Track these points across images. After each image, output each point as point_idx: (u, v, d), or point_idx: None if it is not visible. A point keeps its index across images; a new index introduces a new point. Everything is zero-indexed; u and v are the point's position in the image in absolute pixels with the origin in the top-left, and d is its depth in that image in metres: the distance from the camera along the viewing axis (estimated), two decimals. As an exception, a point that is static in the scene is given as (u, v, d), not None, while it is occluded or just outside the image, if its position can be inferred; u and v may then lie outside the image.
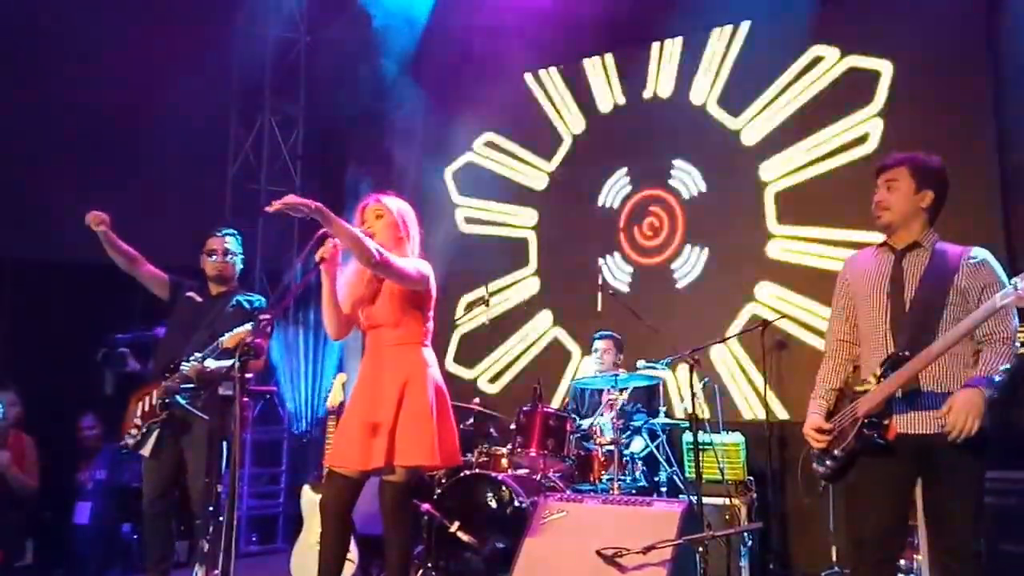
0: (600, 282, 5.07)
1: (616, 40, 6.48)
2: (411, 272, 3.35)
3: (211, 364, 3.99)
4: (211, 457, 3.98)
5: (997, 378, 2.65)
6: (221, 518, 3.86)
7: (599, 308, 5.07)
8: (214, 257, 4.35)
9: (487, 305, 5.24)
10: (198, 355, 4.02)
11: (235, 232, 4.48)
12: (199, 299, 4.32)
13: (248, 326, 3.87)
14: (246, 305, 4.32)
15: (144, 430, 4.06)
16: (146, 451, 4.08)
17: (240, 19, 7.34)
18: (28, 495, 5.47)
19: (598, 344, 5.37)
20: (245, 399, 2.83)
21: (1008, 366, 2.67)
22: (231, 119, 7.46)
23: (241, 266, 4.50)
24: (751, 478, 4.92)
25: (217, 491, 3.95)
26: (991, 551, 3.83)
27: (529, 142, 6.83)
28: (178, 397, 4.03)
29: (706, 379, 4.92)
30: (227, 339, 3.91)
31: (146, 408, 4.09)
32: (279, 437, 7.16)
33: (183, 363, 4.04)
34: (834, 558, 4.74)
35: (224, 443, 4.02)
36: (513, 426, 4.71)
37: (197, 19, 6.64)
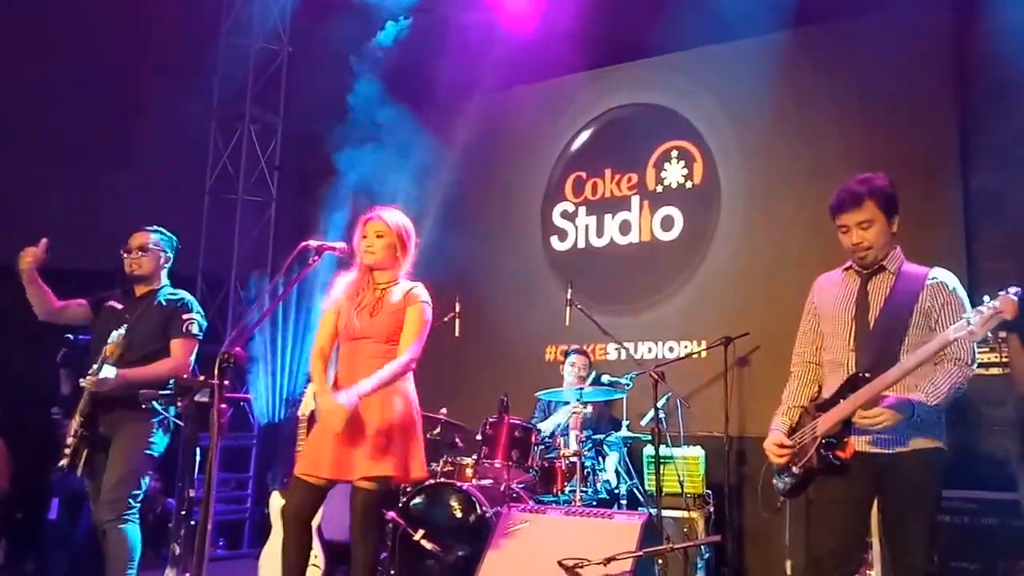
0: (568, 298, 5.17)
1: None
2: (423, 332, 3.47)
3: (106, 372, 3.74)
4: (141, 458, 3.92)
5: (933, 402, 2.72)
6: (193, 521, 3.92)
7: (567, 323, 5.19)
8: (130, 254, 4.13)
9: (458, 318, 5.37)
10: (95, 367, 3.76)
11: (161, 231, 4.25)
12: (119, 306, 4.11)
13: (121, 331, 3.78)
14: (164, 303, 4.11)
15: (74, 446, 3.79)
16: (78, 471, 3.83)
17: (224, 29, 7.42)
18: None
19: (572, 359, 5.50)
20: (223, 406, 2.88)
21: (956, 387, 2.74)
22: (211, 128, 7.51)
23: (166, 264, 4.23)
24: (710, 492, 5.03)
25: (189, 495, 4.01)
26: (944, 568, 3.97)
27: (508, 159, 6.95)
28: (155, 403, 3.96)
29: (668, 393, 5.03)
30: (108, 347, 3.76)
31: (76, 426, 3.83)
32: (247, 443, 7.19)
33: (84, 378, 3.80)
34: (788, 572, 4.84)
35: (197, 448, 4.08)
36: (479, 436, 4.77)
37: (181, 28, 6.70)
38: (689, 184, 6.15)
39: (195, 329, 4.08)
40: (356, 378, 3.41)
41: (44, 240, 3.99)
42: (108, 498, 3.81)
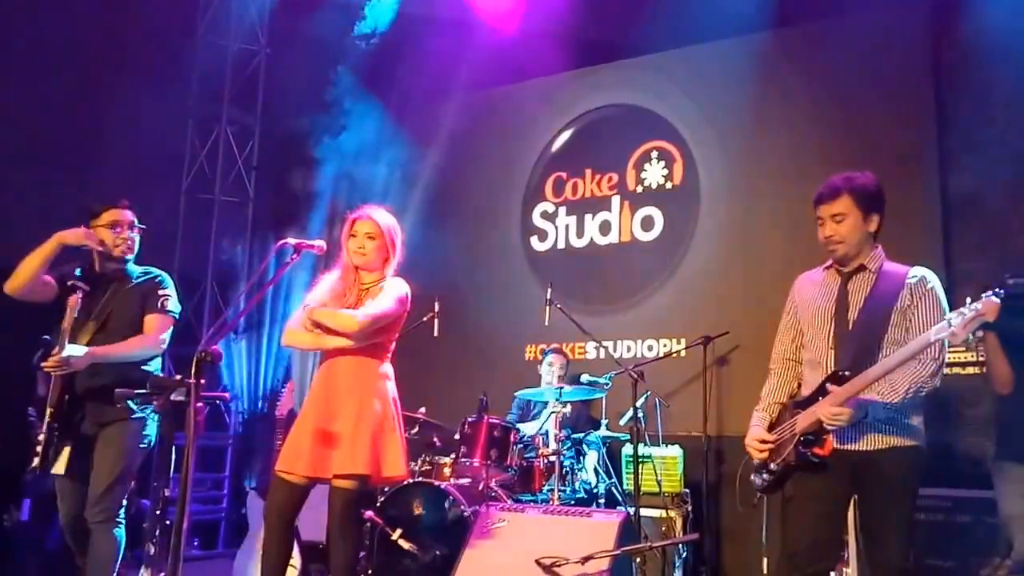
0: (547, 297, 5.16)
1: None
2: (392, 311, 3.43)
3: (72, 350, 3.53)
4: (131, 462, 3.80)
5: (890, 399, 2.76)
6: (168, 521, 3.87)
7: (546, 322, 5.19)
8: (122, 232, 3.84)
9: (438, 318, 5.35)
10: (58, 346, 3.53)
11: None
12: (87, 288, 3.77)
13: (77, 295, 3.56)
14: (139, 281, 3.90)
15: (45, 444, 3.54)
16: (60, 469, 3.61)
17: (201, 29, 7.37)
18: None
19: (549, 358, 5.50)
20: (199, 404, 2.85)
21: (919, 384, 2.76)
22: (188, 128, 7.46)
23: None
24: (687, 491, 5.04)
25: (164, 495, 3.96)
26: (919, 565, 4.01)
27: (488, 159, 6.95)
28: (130, 402, 3.91)
29: (647, 392, 5.04)
30: (65, 321, 3.56)
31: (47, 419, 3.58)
32: (224, 443, 7.14)
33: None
34: (764, 570, 4.84)
35: (173, 447, 4.03)
36: (457, 436, 4.77)
37: (158, 28, 6.65)
38: (669, 185, 6.17)
39: (171, 305, 3.91)
40: (337, 378, 3.43)
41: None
42: (101, 500, 3.66)
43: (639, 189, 6.28)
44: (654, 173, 6.23)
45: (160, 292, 3.91)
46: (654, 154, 6.25)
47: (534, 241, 6.66)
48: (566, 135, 6.70)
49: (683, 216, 6.04)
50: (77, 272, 3.78)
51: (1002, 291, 2.60)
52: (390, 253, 3.54)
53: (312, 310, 3.39)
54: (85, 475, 3.68)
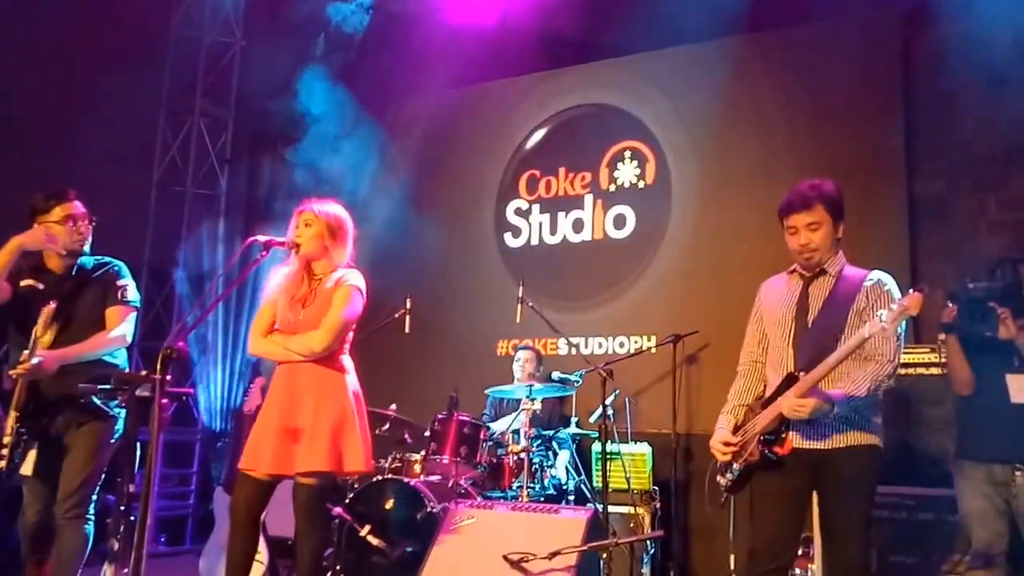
0: (519, 295, 5.18)
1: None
2: (349, 316, 3.42)
3: (39, 356, 3.50)
4: (101, 461, 3.76)
5: (852, 392, 2.80)
6: (133, 517, 3.83)
7: (518, 320, 5.20)
8: (76, 224, 3.75)
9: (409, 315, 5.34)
10: (27, 352, 3.50)
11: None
12: (40, 286, 3.73)
13: (51, 306, 3.52)
14: (95, 273, 3.81)
15: (12, 445, 3.47)
16: (27, 470, 3.60)
17: (174, 21, 7.31)
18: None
19: (520, 355, 5.52)
20: (164, 400, 2.83)
21: (878, 382, 2.82)
22: (160, 120, 7.40)
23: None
24: (656, 488, 5.07)
25: (129, 490, 3.93)
26: (882, 562, 4.08)
27: (462, 156, 6.95)
28: (95, 398, 3.87)
29: (616, 390, 5.06)
30: (38, 327, 3.51)
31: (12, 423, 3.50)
32: (191, 439, 7.09)
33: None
34: (732, 567, 4.90)
35: (137, 443, 3.99)
36: (428, 433, 4.77)
37: (132, 19, 6.58)
38: (641, 184, 6.21)
39: (131, 295, 3.83)
40: (297, 374, 3.42)
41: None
42: (72, 496, 3.63)
43: (612, 188, 6.31)
44: (627, 172, 6.26)
45: (118, 283, 3.82)
46: (627, 154, 6.28)
47: (507, 238, 6.67)
48: (540, 133, 6.72)
49: (655, 215, 6.08)
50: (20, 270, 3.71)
51: (925, 286, 2.71)
52: (330, 240, 3.49)
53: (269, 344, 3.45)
54: (53, 476, 3.64)
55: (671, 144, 6.12)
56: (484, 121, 6.94)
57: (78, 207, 3.80)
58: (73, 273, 3.78)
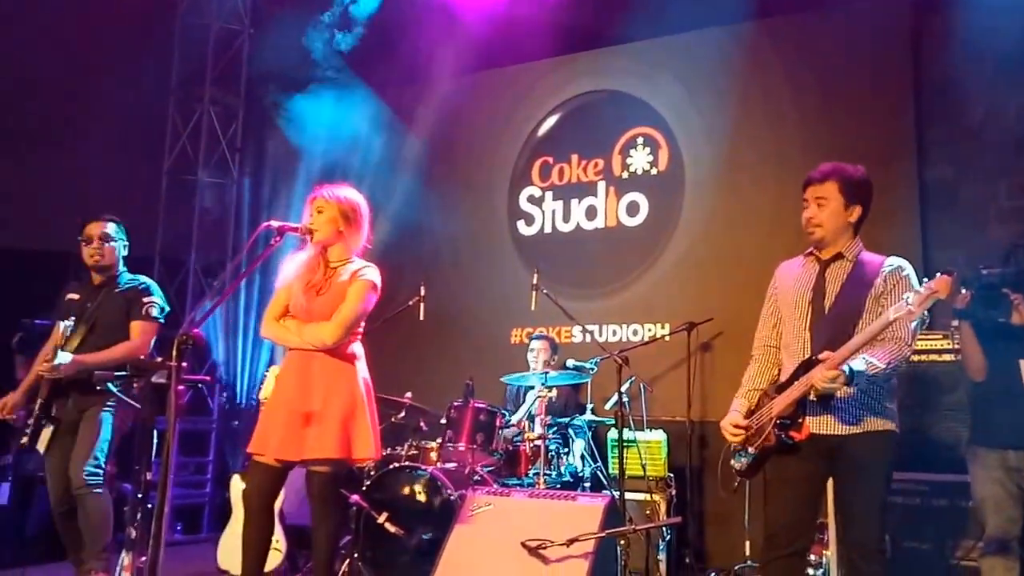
0: (534, 282, 5.18)
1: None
2: (362, 310, 3.43)
3: (61, 359, 3.95)
4: (112, 435, 4.05)
5: (871, 372, 2.77)
6: (150, 505, 3.88)
7: (532, 307, 5.21)
8: (92, 244, 4.20)
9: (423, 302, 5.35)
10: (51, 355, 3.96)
11: (118, 220, 4.35)
12: (76, 297, 4.22)
13: (69, 322, 3.99)
14: (125, 288, 4.23)
15: (34, 425, 4.00)
16: (41, 446, 4.02)
17: (183, 8, 7.30)
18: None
19: (534, 344, 5.52)
20: (180, 387, 2.85)
21: (895, 363, 2.81)
22: (170, 108, 7.40)
23: (124, 252, 4.34)
24: (671, 475, 5.08)
25: (146, 478, 3.97)
26: (896, 547, 4.06)
27: (474, 143, 6.93)
28: (110, 384, 4.03)
29: (631, 377, 5.07)
30: (56, 336, 4.03)
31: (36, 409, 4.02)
32: (207, 427, 7.12)
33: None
34: (747, 552, 4.94)
35: (155, 431, 4.03)
36: (443, 420, 4.78)
37: (140, 7, 6.58)
38: (654, 171, 6.19)
39: (155, 312, 4.18)
40: (309, 358, 3.42)
41: None
42: (83, 468, 3.95)
43: (625, 175, 6.30)
44: (640, 159, 6.25)
45: (144, 300, 4.20)
46: (640, 140, 6.27)
47: (520, 225, 6.66)
48: (552, 120, 6.70)
49: (668, 202, 6.08)
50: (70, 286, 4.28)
51: (955, 270, 2.66)
52: (344, 225, 3.49)
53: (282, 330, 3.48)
54: (66, 453, 4.01)
55: (684, 131, 6.11)
56: (496, 108, 6.92)
57: (94, 228, 4.22)
58: (106, 286, 4.21)
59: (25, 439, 3.97)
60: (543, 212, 6.60)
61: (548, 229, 6.55)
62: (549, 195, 6.59)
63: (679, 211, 6.03)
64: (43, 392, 4.00)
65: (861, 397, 2.88)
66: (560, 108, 6.67)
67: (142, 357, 4.08)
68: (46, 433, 4.00)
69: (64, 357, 3.94)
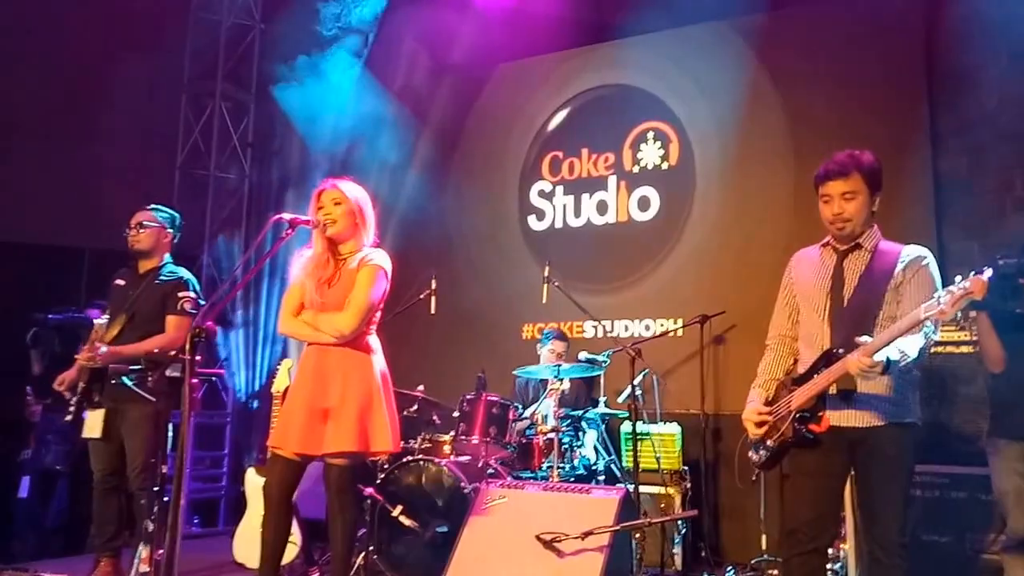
0: (546, 274, 5.16)
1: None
2: (375, 298, 3.41)
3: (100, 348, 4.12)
4: (156, 438, 4.08)
5: (902, 364, 2.67)
6: (166, 498, 3.90)
7: (544, 300, 5.19)
8: (131, 230, 4.35)
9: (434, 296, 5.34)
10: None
11: (162, 208, 4.47)
12: (123, 283, 4.38)
13: (103, 319, 4.20)
14: (163, 281, 4.33)
15: (75, 409, 4.17)
16: (97, 432, 4.16)
17: (194, 4, 7.31)
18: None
19: (551, 344, 5.46)
20: (194, 380, 2.85)
21: (924, 354, 2.75)
22: (182, 104, 7.41)
23: (166, 241, 4.45)
24: (686, 468, 5.07)
25: (162, 471, 3.99)
26: (915, 541, 4.02)
27: (484, 137, 6.92)
28: (124, 378, 4.07)
29: (645, 370, 5.06)
30: (94, 332, 4.22)
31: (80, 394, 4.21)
32: (222, 421, 7.14)
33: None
34: (763, 547, 4.91)
35: (169, 425, 4.06)
36: (456, 413, 4.78)
37: (151, 3, 6.60)
38: (665, 165, 6.17)
39: (189, 307, 4.26)
40: (327, 352, 3.41)
41: None
42: (137, 472, 4.15)
43: (635, 169, 6.27)
44: (650, 153, 6.23)
45: (180, 294, 4.30)
46: (650, 134, 6.24)
47: (531, 220, 6.65)
48: (562, 115, 6.67)
49: (679, 196, 6.05)
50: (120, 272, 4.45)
51: (991, 270, 2.59)
52: (358, 219, 3.48)
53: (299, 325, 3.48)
54: (110, 437, 4.19)
55: (694, 124, 6.07)
56: (506, 101, 6.90)
57: (137, 216, 4.37)
58: (148, 276, 4.34)
59: (69, 417, 4.19)
60: (554, 207, 6.58)
61: (559, 224, 6.53)
62: (560, 189, 6.57)
63: (690, 205, 6.00)
64: (84, 378, 4.16)
65: (884, 390, 2.83)
66: (569, 103, 6.64)
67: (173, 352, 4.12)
68: (96, 418, 4.16)
69: (101, 348, 4.11)
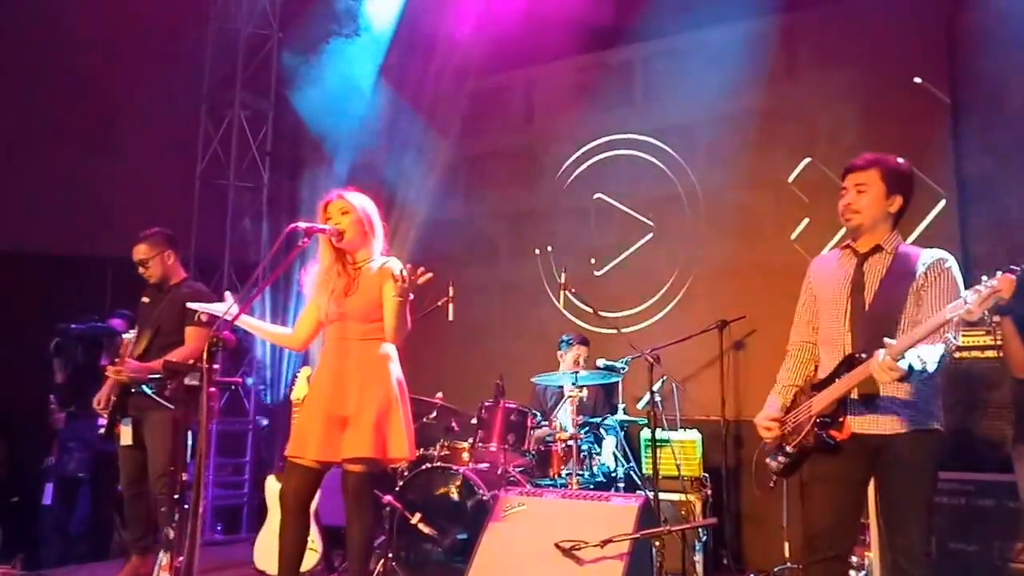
0: (562, 281, 5.14)
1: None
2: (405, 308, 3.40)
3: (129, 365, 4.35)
4: (176, 445, 4.13)
5: (919, 367, 2.62)
6: (187, 505, 3.92)
7: (561, 306, 5.17)
8: (139, 269, 4.60)
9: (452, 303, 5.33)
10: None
11: (147, 235, 4.60)
12: (147, 300, 4.62)
13: (131, 335, 4.47)
14: (184, 294, 4.45)
15: (108, 421, 4.42)
16: (127, 440, 4.40)
17: (213, 14, 7.36)
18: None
19: (577, 350, 5.44)
20: (212, 389, 2.87)
21: (946, 358, 2.70)
22: (201, 113, 7.47)
23: (172, 257, 4.64)
24: (707, 475, 5.03)
25: (182, 479, 4.01)
26: (941, 549, 3.98)
27: (502, 144, 6.92)
28: (144, 387, 4.13)
29: (663, 377, 5.02)
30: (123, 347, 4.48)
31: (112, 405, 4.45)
32: (244, 428, 7.18)
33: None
34: (786, 554, 4.86)
35: (189, 432, 4.10)
36: (475, 420, 4.78)
37: (170, 12, 6.65)
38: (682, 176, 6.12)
39: (205, 317, 4.31)
40: (344, 359, 3.42)
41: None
42: (160, 479, 4.32)
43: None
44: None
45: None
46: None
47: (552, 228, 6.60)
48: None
49: (699, 200, 6.00)
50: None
51: (1021, 268, 2.54)
52: (367, 227, 3.49)
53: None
54: (136, 444, 4.42)
55: (712, 125, 6.00)
56: (525, 108, 6.90)
57: (135, 255, 4.56)
58: (168, 291, 4.57)
59: (102, 430, 4.46)
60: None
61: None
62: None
63: (710, 209, 5.95)
64: (115, 392, 4.39)
65: (906, 396, 2.78)
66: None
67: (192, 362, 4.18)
68: (128, 430, 4.40)
69: (130, 363, 4.33)
